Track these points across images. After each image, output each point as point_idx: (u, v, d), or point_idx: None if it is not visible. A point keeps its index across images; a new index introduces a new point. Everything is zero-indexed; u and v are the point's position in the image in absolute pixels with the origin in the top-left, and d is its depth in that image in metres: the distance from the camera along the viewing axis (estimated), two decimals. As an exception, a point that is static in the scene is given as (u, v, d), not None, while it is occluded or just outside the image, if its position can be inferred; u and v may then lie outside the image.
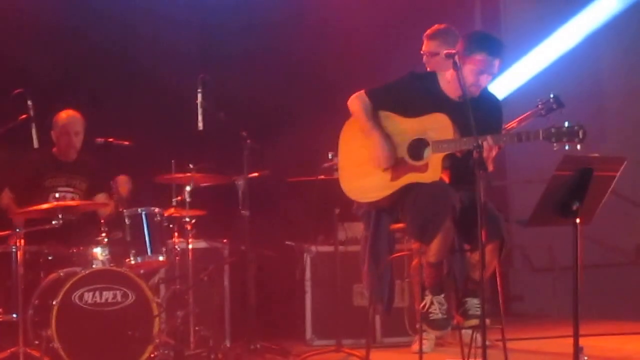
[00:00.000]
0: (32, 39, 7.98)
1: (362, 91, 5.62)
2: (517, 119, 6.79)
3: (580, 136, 5.12)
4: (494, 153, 5.32)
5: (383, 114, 5.56)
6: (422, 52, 6.69)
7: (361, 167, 5.54)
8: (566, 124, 5.13)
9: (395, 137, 5.50)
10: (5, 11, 7.92)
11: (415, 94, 5.53)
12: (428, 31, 6.68)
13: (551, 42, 9.38)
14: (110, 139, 7.07)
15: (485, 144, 5.18)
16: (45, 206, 6.46)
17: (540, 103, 6.72)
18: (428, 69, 6.61)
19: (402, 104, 5.52)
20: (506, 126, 6.59)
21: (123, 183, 6.91)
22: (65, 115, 7.19)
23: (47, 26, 8.08)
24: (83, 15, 8.31)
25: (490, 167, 5.32)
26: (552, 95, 6.68)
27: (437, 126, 5.40)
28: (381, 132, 5.49)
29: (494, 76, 5.49)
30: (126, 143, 7.12)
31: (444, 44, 6.50)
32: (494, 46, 5.40)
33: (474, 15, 9.77)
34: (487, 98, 5.53)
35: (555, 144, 5.12)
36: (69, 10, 8.25)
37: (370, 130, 5.51)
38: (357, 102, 5.59)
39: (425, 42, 6.66)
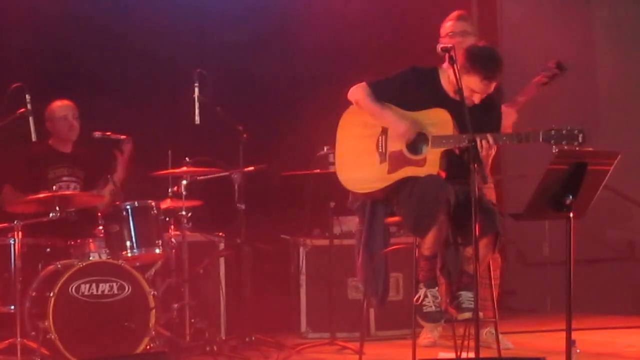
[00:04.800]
0: (29, 33, 7.99)
1: (364, 82, 5.64)
2: (522, 93, 6.74)
3: (580, 140, 5.18)
4: (492, 153, 5.35)
5: (384, 105, 5.58)
6: (449, 32, 6.67)
7: (359, 158, 5.56)
8: (566, 126, 5.20)
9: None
10: (3, 7, 7.93)
11: (415, 88, 5.55)
12: (456, 13, 6.72)
13: (547, 38, 9.41)
14: (108, 133, 7.10)
15: (484, 143, 5.23)
16: (42, 195, 6.49)
17: (542, 71, 6.65)
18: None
19: (402, 97, 5.53)
20: (510, 104, 6.58)
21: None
22: (61, 103, 7.21)
23: (44, 20, 8.08)
24: (80, 8, 8.32)
25: (488, 168, 5.35)
26: (555, 60, 6.63)
27: (437, 121, 5.43)
28: (392, 110, 5.51)
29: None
30: (122, 137, 7.15)
31: (471, 27, 6.59)
32: (489, 70, 5.36)
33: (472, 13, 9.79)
34: (486, 98, 5.51)
35: (554, 146, 5.18)
36: (65, 3, 8.26)
37: (381, 111, 5.53)
38: (359, 90, 5.62)
39: (453, 23, 6.67)
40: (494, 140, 5.30)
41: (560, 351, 5.04)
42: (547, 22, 9.52)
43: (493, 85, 5.43)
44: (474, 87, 5.36)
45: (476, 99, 5.43)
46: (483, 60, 5.38)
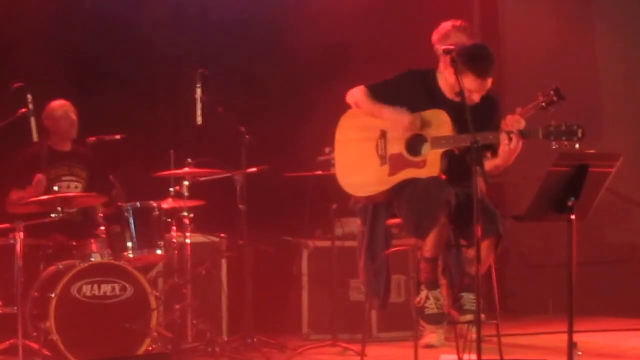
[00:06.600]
0: (31, 34, 7.99)
1: (362, 86, 5.66)
2: (518, 112, 6.78)
3: (579, 135, 5.19)
4: (519, 148, 5.34)
5: (383, 104, 5.58)
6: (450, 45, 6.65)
7: (359, 161, 5.57)
8: (565, 122, 5.20)
9: (394, 132, 5.54)
10: (4, 6, 7.94)
11: (413, 91, 5.56)
12: (458, 23, 6.69)
13: (547, 40, 9.41)
14: (101, 136, 7.08)
15: (513, 137, 5.23)
16: (44, 197, 6.51)
17: (540, 95, 6.73)
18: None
19: (400, 100, 5.54)
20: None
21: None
22: (59, 102, 7.23)
23: (45, 20, 8.08)
24: (81, 8, 8.33)
25: (511, 161, 5.36)
26: (553, 87, 6.71)
27: (436, 122, 5.44)
28: (391, 107, 5.52)
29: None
30: (117, 137, 7.12)
31: (468, 38, 6.55)
32: (481, 68, 5.37)
33: (473, 11, 9.79)
34: (485, 96, 5.52)
35: (554, 143, 5.18)
36: (66, 3, 8.27)
37: (380, 109, 5.56)
38: (358, 93, 5.64)
39: (453, 34, 6.64)
40: (494, 138, 5.30)
41: (562, 353, 5.03)
42: (549, 19, 9.51)
43: (489, 81, 5.43)
44: (469, 87, 5.36)
45: (475, 97, 5.43)
46: (472, 59, 5.38)
